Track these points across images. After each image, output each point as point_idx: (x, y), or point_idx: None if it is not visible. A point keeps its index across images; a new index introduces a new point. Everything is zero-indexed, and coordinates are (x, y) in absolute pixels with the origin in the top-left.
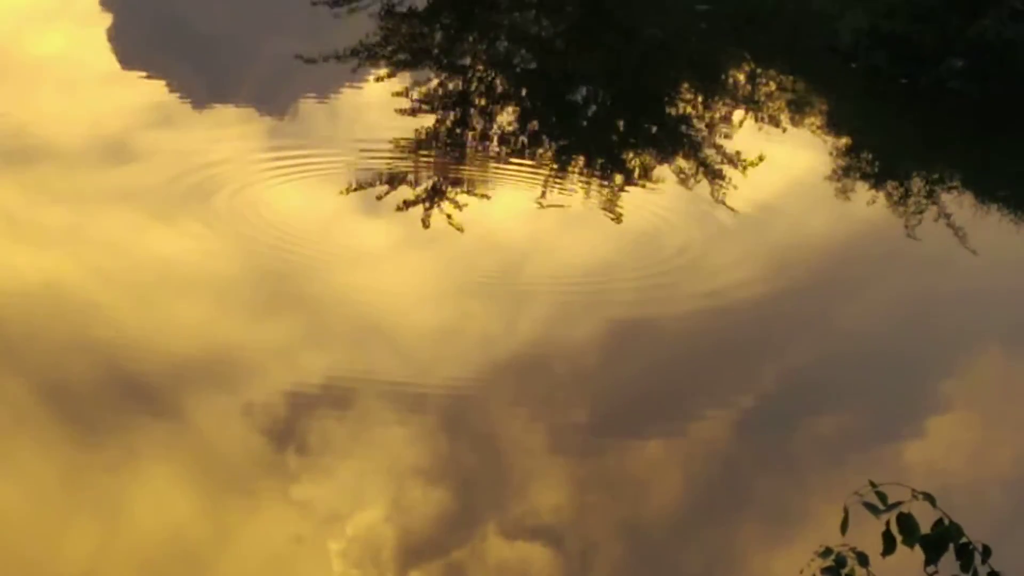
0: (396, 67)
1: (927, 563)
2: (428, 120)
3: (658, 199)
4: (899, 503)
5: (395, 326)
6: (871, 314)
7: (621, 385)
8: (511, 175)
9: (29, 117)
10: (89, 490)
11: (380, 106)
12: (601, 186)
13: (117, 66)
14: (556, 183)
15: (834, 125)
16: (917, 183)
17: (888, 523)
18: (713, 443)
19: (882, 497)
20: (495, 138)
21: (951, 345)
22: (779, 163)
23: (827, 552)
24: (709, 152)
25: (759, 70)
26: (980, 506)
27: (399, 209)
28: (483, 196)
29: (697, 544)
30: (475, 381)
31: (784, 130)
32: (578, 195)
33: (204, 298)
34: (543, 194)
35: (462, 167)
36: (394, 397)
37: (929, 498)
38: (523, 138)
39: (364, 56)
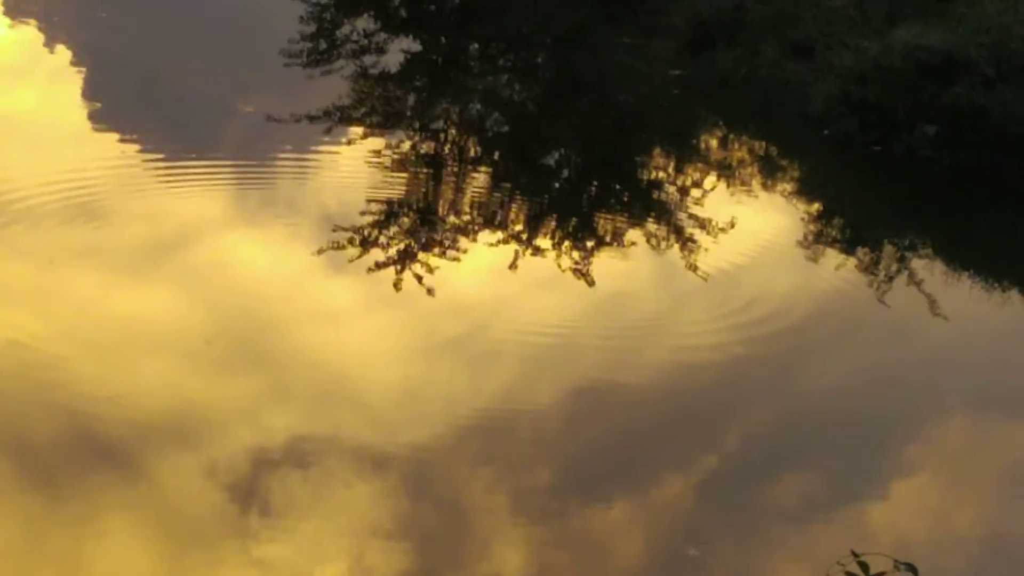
0: (369, 129)
1: None
2: (400, 182)
3: (628, 263)
4: (882, 573)
5: (361, 387)
6: (839, 379)
7: (585, 447)
8: (483, 238)
9: None
10: (50, 547)
11: (351, 168)
12: (572, 249)
13: (87, 123)
14: (528, 246)
15: (806, 191)
16: (888, 249)
17: None
18: (677, 505)
19: (864, 567)
20: (467, 201)
21: (919, 411)
22: (750, 228)
23: None
24: (681, 216)
25: (731, 135)
26: (945, 570)
27: (370, 271)
28: (455, 259)
29: None
30: (440, 441)
31: (756, 196)
32: (549, 258)
33: (170, 357)
34: (515, 257)
35: (434, 229)
36: (358, 457)
37: (912, 569)
38: (495, 201)
39: (337, 118)
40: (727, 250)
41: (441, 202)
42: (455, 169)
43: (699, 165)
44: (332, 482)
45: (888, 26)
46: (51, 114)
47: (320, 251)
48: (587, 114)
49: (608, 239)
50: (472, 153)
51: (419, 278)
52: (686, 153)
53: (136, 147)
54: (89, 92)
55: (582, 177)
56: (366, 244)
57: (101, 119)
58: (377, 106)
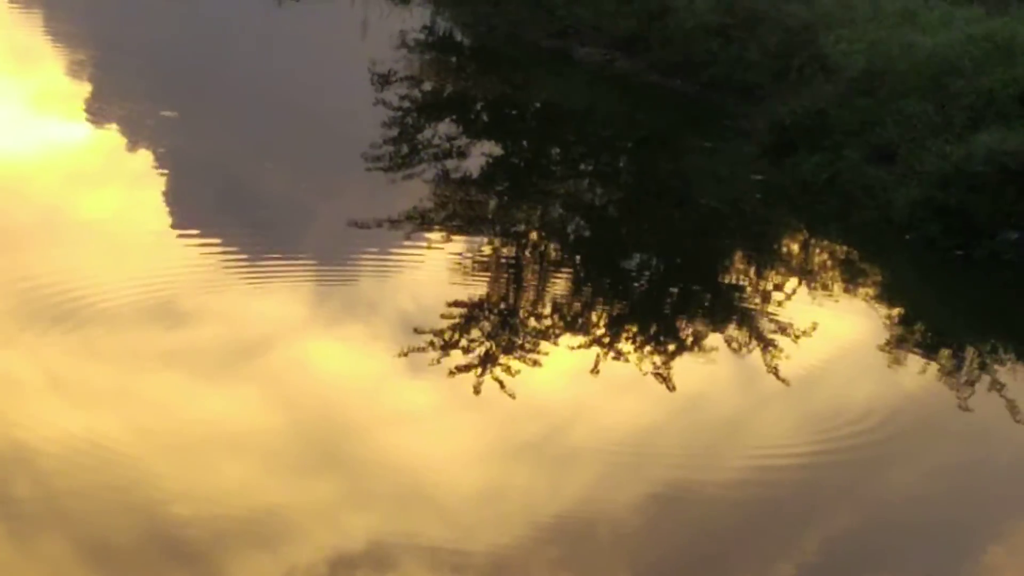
0: (450, 232)
1: None
2: (481, 285)
3: (709, 367)
4: None
5: (440, 489)
6: (921, 485)
7: (664, 552)
8: (564, 341)
9: (78, 279)
10: None
11: (433, 271)
12: (653, 354)
13: (169, 227)
14: (608, 350)
15: (887, 295)
16: (970, 354)
17: None
18: None
19: None
20: (548, 304)
21: (1000, 517)
22: (831, 332)
23: None
24: (761, 321)
25: (813, 240)
26: None
27: (451, 374)
28: (535, 362)
29: None
30: (518, 544)
31: (837, 300)
32: (630, 362)
33: (249, 458)
34: (596, 361)
35: (515, 332)
36: (436, 559)
37: None
38: (576, 304)
39: (418, 222)
40: (808, 354)
41: (522, 305)
42: (536, 272)
43: (780, 269)
44: None
45: (970, 131)
46: (132, 217)
47: (401, 353)
48: (668, 218)
49: (689, 343)
50: (553, 256)
51: (500, 382)
52: (767, 257)
53: (217, 249)
54: (170, 195)
55: (663, 281)
56: (447, 347)
57: (182, 222)
58: (458, 210)
